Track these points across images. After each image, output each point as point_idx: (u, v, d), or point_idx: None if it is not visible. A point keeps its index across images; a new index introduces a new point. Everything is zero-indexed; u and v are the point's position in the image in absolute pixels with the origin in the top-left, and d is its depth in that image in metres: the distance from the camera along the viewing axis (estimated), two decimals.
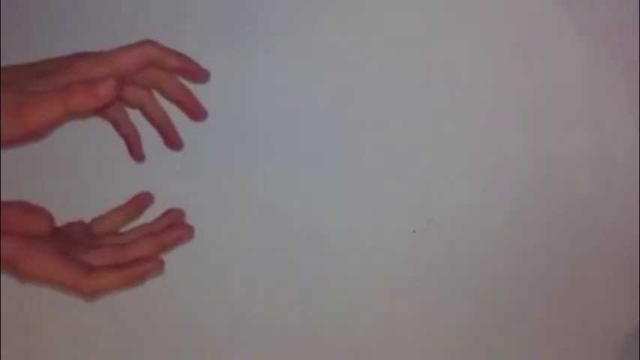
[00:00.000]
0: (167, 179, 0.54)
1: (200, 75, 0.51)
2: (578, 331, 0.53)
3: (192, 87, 0.52)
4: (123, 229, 0.51)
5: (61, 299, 0.50)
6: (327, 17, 0.55)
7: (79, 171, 0.54)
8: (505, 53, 0.54)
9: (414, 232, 0.53)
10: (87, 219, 0.50)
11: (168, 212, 0.52)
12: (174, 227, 0.50)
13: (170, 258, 0.47)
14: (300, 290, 0.53)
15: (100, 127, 0.53)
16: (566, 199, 0.54)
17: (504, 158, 0.54)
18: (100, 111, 0.52)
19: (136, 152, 0.54)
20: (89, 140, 0.54)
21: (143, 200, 0.53)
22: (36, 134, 0.43)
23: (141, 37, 0.47)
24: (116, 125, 0.53)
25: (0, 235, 0.41)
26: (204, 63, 0.50)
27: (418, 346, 0.53)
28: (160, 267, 0.45)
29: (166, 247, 0.49)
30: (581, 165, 0.54)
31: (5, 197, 0.42)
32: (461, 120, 0.54)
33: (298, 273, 0.53)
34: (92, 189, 0.54)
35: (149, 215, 0.52)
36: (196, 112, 0.53)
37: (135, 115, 0.53)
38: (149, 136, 0.53)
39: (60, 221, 0.45)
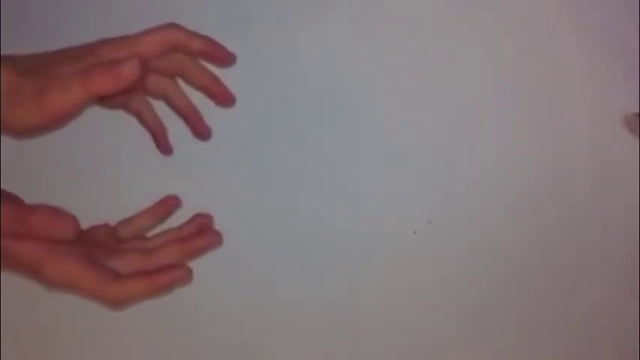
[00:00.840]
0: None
1: (226, 58, 0.49)
2: (578, 331, 0.53)
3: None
4: (148, 234, 0.50)
5: (64, 300, 0.50)
6: (336, 14, 0.54)
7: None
8: (505, 53, 0.54)
9: (414, 232, 0.53)
10: (104, 220, 0.49)
11: (196, 217, 0.50)
12: (203, 233, 0.48)
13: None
14: (299, 289, 0.53)
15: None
16: (566, 199, 0.53)
17: (505, 159, 0.54)
18: (124, 103, 0.51)
19: (163, 145, 0.52)
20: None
21: (170, 203, 0.51)
22: (58, 120, 0.41)
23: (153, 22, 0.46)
24: (141, 118, 0.51)
25: (24, 240, 0.41)
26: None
27: (419, 345, 0.53)
28: (188, 276, 0.44)
29: (194, 254, 0.48)
30: (581, 165, 0.54)
31: (29, 200, 0.42)
32: (461, 120, 0.54)
33: (299, 271, 0.53)
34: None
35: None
36: (224, 98, 0.51)
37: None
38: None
39: (84, 224, 0.44)
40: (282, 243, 0.53)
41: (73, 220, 0.41)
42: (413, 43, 0.54)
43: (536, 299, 0.53)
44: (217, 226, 0.50)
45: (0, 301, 0.51)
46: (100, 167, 0.53)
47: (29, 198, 0.42)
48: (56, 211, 0.41)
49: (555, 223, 0.53)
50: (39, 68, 0.43)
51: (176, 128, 0.52)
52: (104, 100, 0.50)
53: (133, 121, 0.52)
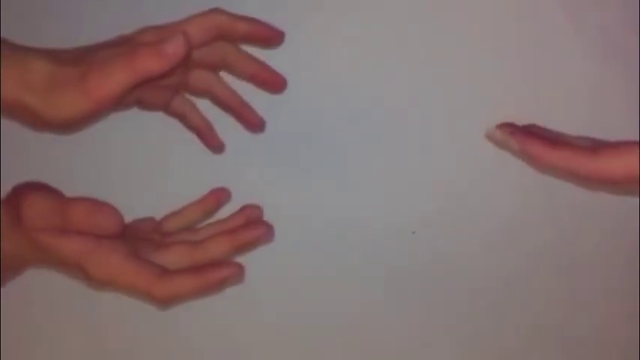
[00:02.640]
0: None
1: (275, 36, 0.46)
2: (578, 331, 0.53)
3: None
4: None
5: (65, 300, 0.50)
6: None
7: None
8: (505, 53, 0.54)
9: (413, 233, 0.53)
10: (147, 215, 0.48)
11: (244, 208, 0.47)
12: (253, 226, 0.45)
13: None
14: (299, 288, 0.53)
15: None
16: (566, 199, 0.53)
17: (504, 159, 0.53)
18: (165, 104, 0.48)
19: (213, 143, 0.50)
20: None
21: (219, 196, 0.48)
22: (102, 106, 0.39)
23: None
24: (184, 119, 0.49)
25: (65, 235, 0.39)
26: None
27: (418, 345, 0.53)
28: (240, 273, 0.41)
29: (244, 248, 0.45)
30: None
31: (71, 193, 0.40)
32: (461, 120, 0.54)
33: (299, 271, 0.53)
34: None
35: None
36: (275, 84, 0.48)
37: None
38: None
39: (126, 218, 0.42)
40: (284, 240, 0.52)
41: (117, 213, 0.39)
42: (412, 43, 0.54)
43: (536, 299, 0.53)
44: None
45: (0, 302, 0.51)
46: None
47: (70, 192, 0.40)
48: (98, 205, 0.39)
49: (555, 223, 0.53)
50: (79, 57, 0.40)
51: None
52: (146, 102, 0.47)
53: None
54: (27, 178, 0.41)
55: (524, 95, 0.54)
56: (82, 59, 0.40)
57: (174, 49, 0.38)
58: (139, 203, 0.47)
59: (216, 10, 0.44)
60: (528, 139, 0.37)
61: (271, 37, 0.46)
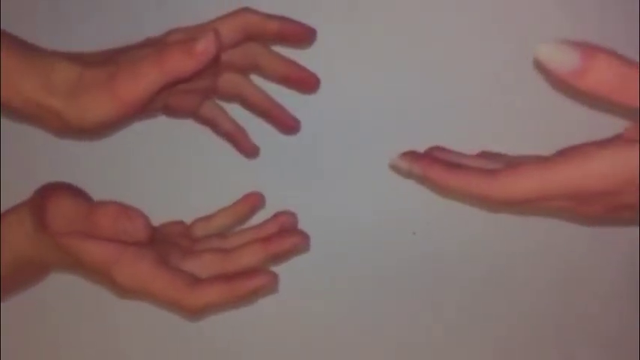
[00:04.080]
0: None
1: (307, 35, 0.44)
2: (577, 331, 0.53)
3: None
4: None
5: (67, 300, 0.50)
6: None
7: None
8: (504, 54, 0.54)
9: (413, 234, 0.53)
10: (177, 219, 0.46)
11: (278, 215, 0.45)
12: (288, 234, 0.42)
13: None
14: (298, 290, 0.53)
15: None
16: None
17: None
18: (193, 111, 0.46)
19: (247, 148, 0.48)
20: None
21: (254, 200, 0.46)
22: (132, 108, 0.38)
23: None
24: (214, 125, 0.47)
25: (92, 241, 0.37)
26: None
27: (417, 345, 0.53)
28: (274, 281, 0.39)
29: (278, 257, 0.42)
30: None
31: (98, 198, 0.39)
32: (461, 121, 0.54)
33: (298, 272, 0.53)
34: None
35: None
36: (309, 83, 0.46)
37: None
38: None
39: (156, 224, 0.41)
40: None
41: (145, 219, 0.37)
42: (412, 43, 0.54)
43: (536, 299, 0.53)
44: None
45: (0, 302, 0.51)
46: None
47: (97, 196, 0.39)
48: (126, 210, 0.37)
49: (555, 223, 0.53)
50: (106, 59, 0.39)
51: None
52: (173, 108, 0.45)
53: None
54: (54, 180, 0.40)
55: (524, 95, 0.54)
56: (108, 61, 0.39)
57: (205, 47, 0.36)
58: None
59: (245, 10, 0.42)
60: (429, 164, 0.37)
61: (303, 36, 0.44)
